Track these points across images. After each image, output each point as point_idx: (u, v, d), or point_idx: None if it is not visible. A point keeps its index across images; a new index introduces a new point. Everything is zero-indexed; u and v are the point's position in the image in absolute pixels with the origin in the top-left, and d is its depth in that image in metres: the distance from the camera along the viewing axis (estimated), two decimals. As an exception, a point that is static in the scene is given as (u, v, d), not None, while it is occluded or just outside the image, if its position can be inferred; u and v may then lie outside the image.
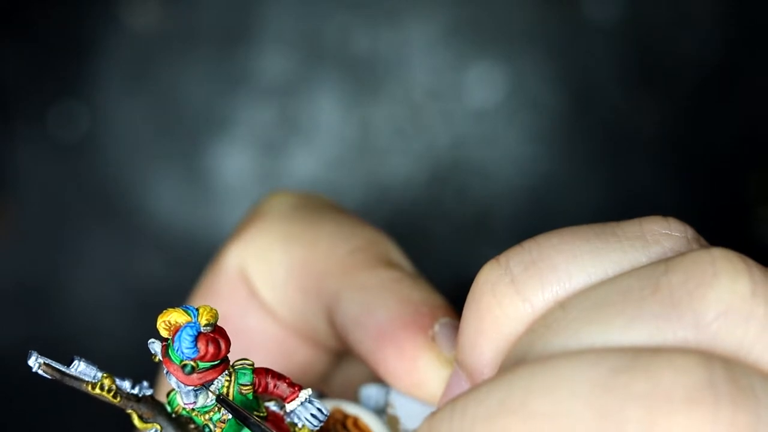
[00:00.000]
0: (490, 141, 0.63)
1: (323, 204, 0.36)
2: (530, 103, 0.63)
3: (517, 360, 0.26)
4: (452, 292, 0.66)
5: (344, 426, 0.31)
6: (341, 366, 0.36)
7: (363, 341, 0.31)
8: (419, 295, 0.31)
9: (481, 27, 0.63)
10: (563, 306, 0.26)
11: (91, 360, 0.27)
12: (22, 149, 0.63)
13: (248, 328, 0.34)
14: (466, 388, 0.28)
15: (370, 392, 0.32)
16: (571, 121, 0.63)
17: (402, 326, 0.30)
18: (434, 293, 0.31)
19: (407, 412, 0.31)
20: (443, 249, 0.63)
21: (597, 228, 0.28)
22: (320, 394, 0.32)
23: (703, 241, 0.29)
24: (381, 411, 0.31)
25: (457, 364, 0.28)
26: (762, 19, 0.64)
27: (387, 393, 0.31)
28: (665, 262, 0.26)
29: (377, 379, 0.32)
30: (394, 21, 0.63)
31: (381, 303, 0.31)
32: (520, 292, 0.26)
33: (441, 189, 0.63)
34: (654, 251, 0.27)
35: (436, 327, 0.30)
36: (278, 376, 0.28)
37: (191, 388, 0.26)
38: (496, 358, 0.27)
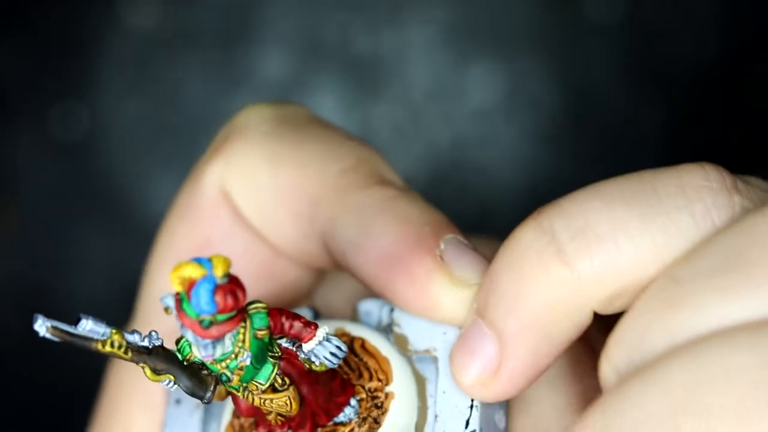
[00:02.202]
0: (490, 141, 0.63)
1: (305, 117, 0.33)
2: (531, 103, 0.63)
3: (630, 346, 0.24)
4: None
5: (352, 350, 0.30)
6: (327, 279, 0.34)
7: (364, 266, 0.29)
8: (419, 212, 0.30)
9: (482, 27, 0.63)
10: (672, 278, 0.24)
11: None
12: (22, 149, 0.63)
13: (233, 252, 0.32)
14: (493, 349, 0.27)
15: (370, 309, 0.31)
16: (572, 120, 0.63)
17: (407, 249, 0.29)
18: (432, 208, 0.30)
19: (415, 330, 0.30)
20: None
21: (635, 185, 0.28)
22: (315, 313, 0.31)
23: (741, 185, 0.29)
24: (385, 330, 0.30)
25: (482, 319, 0.27)
26: (762, 19, 0.64)
27: (391, 310, 0.30)
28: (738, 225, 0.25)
29: (372, 294, 0.31)
30: (394, 21, 0.63)
31: (380, 225, 0.29)
32: (568, 262, 0.26)
33: (441, 189, 0.63)
34: (698, 210, 0.27)
35: (442, 245, 0.29)
36: (293, 316, 0.27)
37: (209, 340, 0.26)
38: (535, 325, 0.26)
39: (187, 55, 0.63)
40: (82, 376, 0.49)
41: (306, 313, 0.31)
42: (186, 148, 0.63)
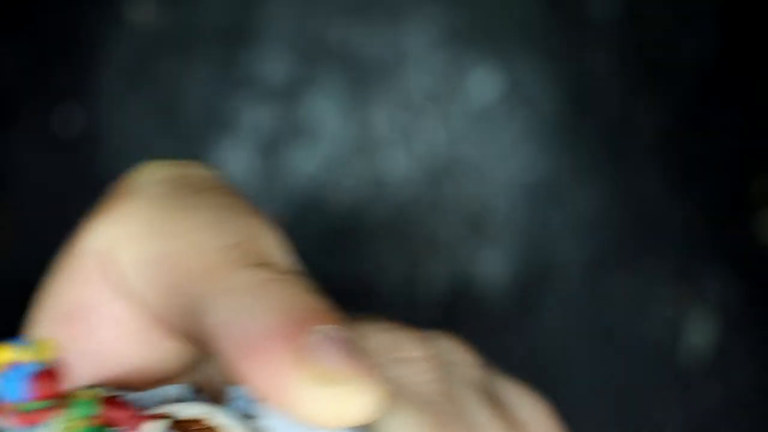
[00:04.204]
0: (489, 141, 0.63)
1: (204, 181, 0.31)
2: (529, 103, 0.63)
3: None
4: (451, 292, 0.66)
5: None
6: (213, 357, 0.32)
7: (227, 352, 0.27)
8: (293, 299, 0.27)
9: (481, 27, 0.63)
10: None
11: None
12: (22, 148, 0.63)
13: (112, 317, 0.30)
14: None
15: (240, 394, 0.29)
16: (571, 121, 0.63)
17: (271, 338, 0.26)
18: (312, 294, 0.28)
19: (281, 425, 0.28)
20: (442, 249, 0.63)
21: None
22: (196, 390, 0.29)
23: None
24: (250, 418, 0.28)
25: None
26: (762, 19, 0.64)
27: (258, 400, 0.28)
28: None
29: None
30: (394, 21, 0.63)
31: (248, 309, 0.27)
32: None
33: (440, 189, 0.63)
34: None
35: (311, 337, 0.26)
36: (122, 407, 0.26)
37: (25, 428, 0.24)
38: None
39: (187, 55, 0.63)
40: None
41: (183, 390, 0.29)
42: (186, 147, 0.63)
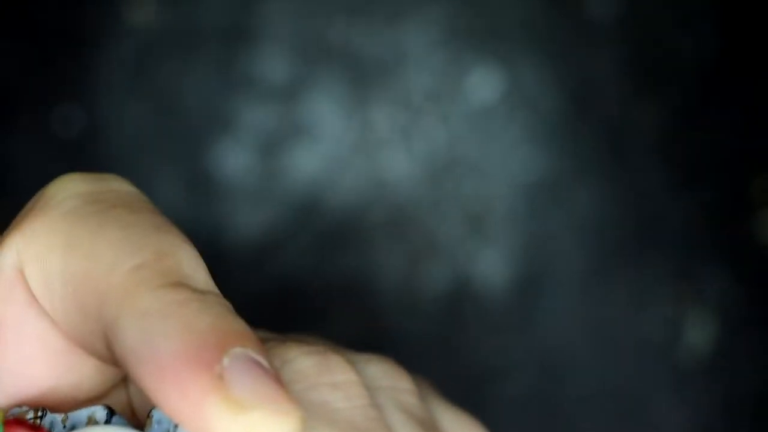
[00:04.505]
0: (489, 141, 0.63)
1: (121, 196, 0.30)
2: (529, 103, 0.63)
3: None
4: (451, 292, 0.66)
5: None
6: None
7: (142, 377, 0.26)
8: (207, 320, 0.26)
9: (481, 27, 0.63)
10: None
11: None
12: (22, 148, 0.63)
13: (27, 336, 0.29)
14: None
15: (162, 417, 0.28)
16: (571, 121, 0.63)
17: (184, 362, 0.25)
18: (228, 315, 0.26)
19: None
20: (442, 249, 0.63)
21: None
22: (111, 413, 0.29)
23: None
24: None
25: None
26: (762, 19, 0.64)
27: (176, 425, 0.27)
28: None
29: None
30: (394, 21, 0.63)
31: (161, 332, 0.26)
32: None
33: (440, 189, 0.63)
34: None
35: (226, 360, 0.25)
36: (31, 428, 0.25)
37: None
38: None
39: (187, 55, 0.63)
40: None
41: (101, 412, 0.29)
42: (185, 147, 0.63)
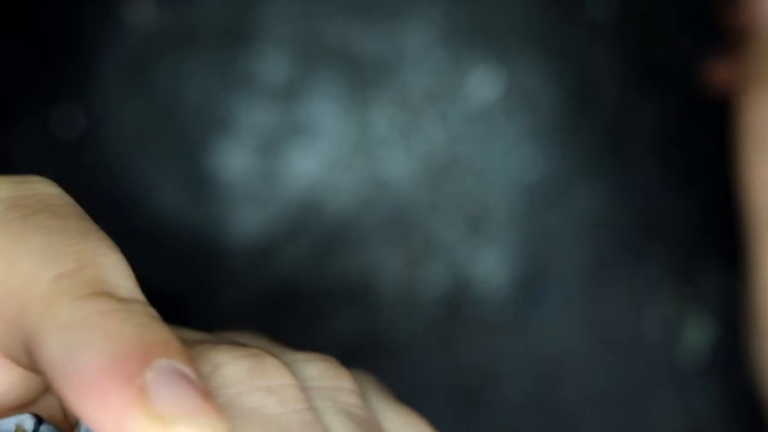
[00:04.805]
0: (488, 141, 0.63)
1: (38, 203, 0.29)
2: (529, 103, 0.63)
3: None
4: (451, 292, 0.66)
5: None
6: None
7: (64, 391, 0.25)
8: (131, 331, 0.25)
9: (480, 27, 0.63)
10: None
11: None
12: (22, 148, 0.63)
13: None
14: None
15: (89, 428, 0.27)
16: (570, 120, 0.63)
17: (106, 375, 0.25)
18: (152, 325, 0.26)
19: None
20: (442, 249, 0.63)
21: None
22: (39, 420, 0.28)
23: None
24: None
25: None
26: (762, 20, 0.64)
27: None
28: None
29: None
30: (393, 21, 0.63)
31: (83, 344, 0.25)
32: None
33: (440, 189, 0.63)
34: None
35: (149, 373, 0.25)
36: None
37: None
38: None
39: (186, 55, 0.63)
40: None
41: (27, 420, 0.28)
42: (185, 147, 0.63)
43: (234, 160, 0.63)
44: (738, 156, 0.55)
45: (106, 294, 0.26)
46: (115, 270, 0.27)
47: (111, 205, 0.63)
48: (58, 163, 0.63)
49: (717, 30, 0.63)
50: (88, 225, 0.29)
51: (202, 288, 0.61)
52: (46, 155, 0.63)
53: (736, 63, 0.57)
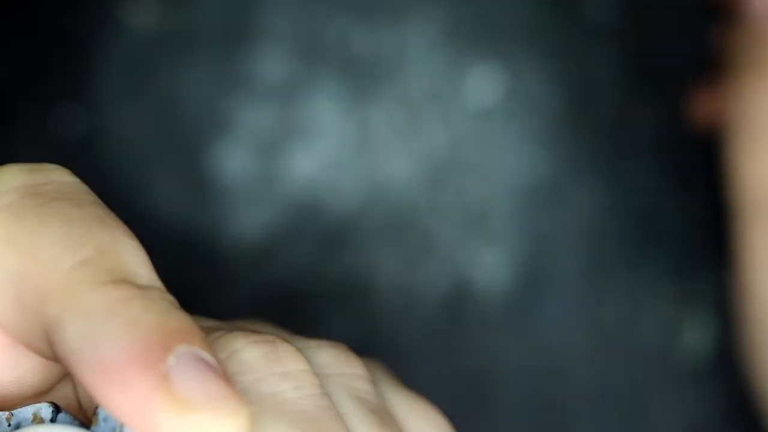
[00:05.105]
0: (489, 142, 0.63)
1: (56, 191, 0.30)
2: (529, 104, 0.63)
3: None
4: (451, 293, 0.66)
5: None
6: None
7: (85, 376, 0.25)
8: (153, 318, 0.25)
9: (481, 27, 0.63)
10: None
11: None
12: (21, 148, 0.63)
13: None
14: None
15: (108, 415, 0.27)
16: (571, 121, 0.63)
17: (128, 361, 0.25)
18: (173, 311, 0.26)
19: None
20: (442, 250, 0.63)
21: None
22: (57, 409, 0.28)
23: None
24: None
25: None
26: (762, 20, 0.64)
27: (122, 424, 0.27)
28: None
29: None
30: (393, 22, 0.63)
31: (104, 332, 0.25)
32: None
33: (440, 190, 0.63)
34: None
35: (172, 359, 0.25)
36: None
37: None
38: None
39: (186, 55, 0.63)
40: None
41: (46, 409, 0.28)
42: (185, 148, 0.63)
43: (234, 161, 0.63)
44: (730, 145, 0.55)
45: (125, 281, 0.27)
46: (133, 257, 0.28)
47: (111, 206, 0.63)
48: (57, 163, 0.63)
49: (709, 51, 0.63)
50: (105, 212, 0.29)
51: (202, 288, 0.61)
52: (46, 155, 0.63)
53: (724, 94, 0.58)
